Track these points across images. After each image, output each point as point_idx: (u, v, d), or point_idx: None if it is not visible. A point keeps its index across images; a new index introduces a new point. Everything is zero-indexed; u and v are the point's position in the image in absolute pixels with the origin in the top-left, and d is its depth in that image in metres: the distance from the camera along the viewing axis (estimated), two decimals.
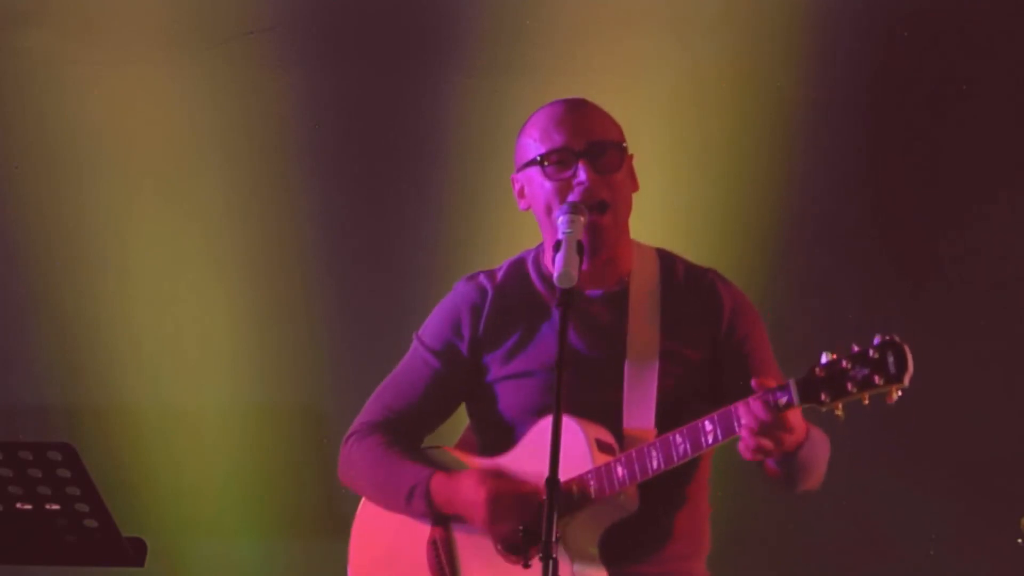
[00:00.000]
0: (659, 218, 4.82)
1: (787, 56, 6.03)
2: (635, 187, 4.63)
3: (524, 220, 4.94)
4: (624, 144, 4.59)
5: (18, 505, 4.05)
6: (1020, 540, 5.60)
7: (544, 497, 4.02)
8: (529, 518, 4.41)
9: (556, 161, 4.54)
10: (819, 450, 4.44)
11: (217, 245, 6.33)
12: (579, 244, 4.30)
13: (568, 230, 4.33)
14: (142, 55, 6.32)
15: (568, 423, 4.43)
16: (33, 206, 6.37)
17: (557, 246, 4.29)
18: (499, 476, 4.51)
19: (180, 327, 6.34)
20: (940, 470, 5.93)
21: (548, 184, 4.53)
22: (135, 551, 4.13)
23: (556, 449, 4.06)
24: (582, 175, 4.50)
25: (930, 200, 6.01)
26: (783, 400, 4.17)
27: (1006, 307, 5.94)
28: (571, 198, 4.50)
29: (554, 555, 3.95)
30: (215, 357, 6.31)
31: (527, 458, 4.53)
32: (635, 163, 4.64)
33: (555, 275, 4.21)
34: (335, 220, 6.31)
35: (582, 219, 4.40)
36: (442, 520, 4.61)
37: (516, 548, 4.45)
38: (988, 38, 5.93)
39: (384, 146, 6.30)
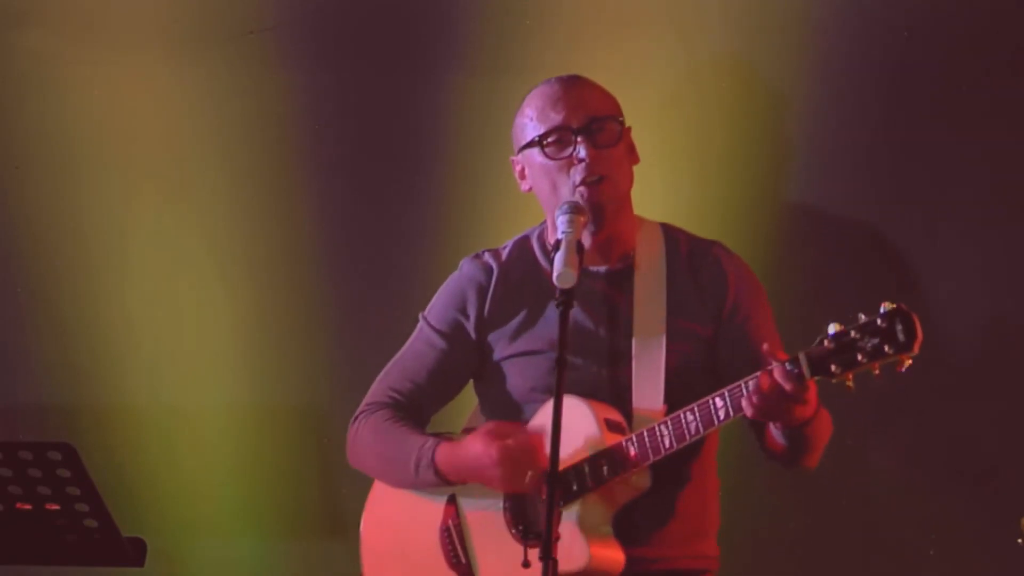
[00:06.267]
0: (658, 218, 4.82)
1: (787, 56, 6.02)
2: (635, 160, 4.63)
3: (524, 220, 4.94)
4: (621, 118, 4.59)
5: (18, 505, 4.05)
6: (1020, 540, 5.59)
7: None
8: (542, 469, 4.38)
9: (555, 140, 4.55)
10: (824, 431, 4.45)
11: (217, 245, 6.33)
12: (579, 244, 4.30)
13: (567, 230, 4.33)
14: (142, 55, 6.32)
15: (577, 404, 4.44)
16: (33, 206, 6.36)
17: (557, 245, 4.29)
18: (505, 434, 4.49)
19: (180, 327, 6.33)
20: (940, 470, 5.92)
21: (550, 164, 4.54)
22: (135, 551, 4.13)
23: (556, 449, 4.05)
24: (582, 152, 4.51)
25: (930, 199, 6.00)
26: (793, 373, 4.16)
27: (1007, 305, 5.94)
28: (573, 176, 4.50)
29: (554, 555, 3.95)
30: (215, 357, 6.31)
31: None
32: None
33: (554, 275, 4.21)
34: (335, 220, 6.31)
35: (582, 219, 4.40)
36: (453, 501, 4.60)
37: (531, 516, 4.44)
38: (988, 38, 5.93)
39: (384, 146, 6.30)
